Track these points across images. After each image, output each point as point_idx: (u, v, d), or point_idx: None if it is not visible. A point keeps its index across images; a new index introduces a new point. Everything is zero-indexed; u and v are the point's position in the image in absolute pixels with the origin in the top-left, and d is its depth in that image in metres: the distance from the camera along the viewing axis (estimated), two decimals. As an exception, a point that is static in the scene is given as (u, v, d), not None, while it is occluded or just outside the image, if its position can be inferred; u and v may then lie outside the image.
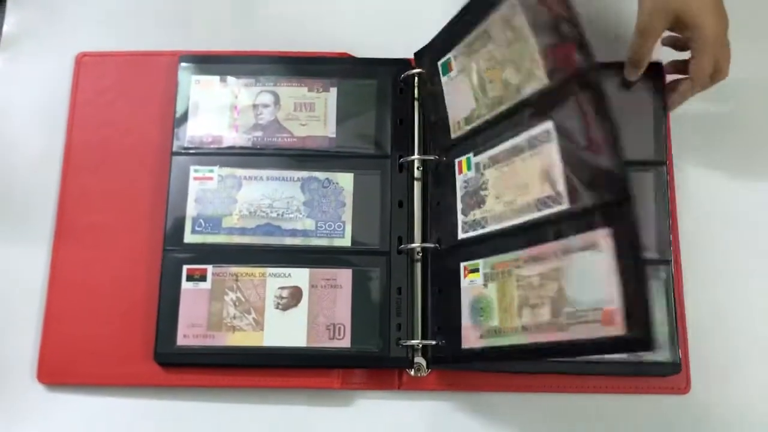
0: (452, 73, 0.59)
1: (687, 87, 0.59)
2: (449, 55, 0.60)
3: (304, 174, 0.61)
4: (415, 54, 0.63)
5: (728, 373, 0.59)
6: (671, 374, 0.57)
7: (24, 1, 0.69)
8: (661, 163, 0.61)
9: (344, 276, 0.59)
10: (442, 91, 0.60)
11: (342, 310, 0.58)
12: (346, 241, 0.60)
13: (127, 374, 0.59)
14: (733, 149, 0.64)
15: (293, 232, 0.60)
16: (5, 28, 0.68)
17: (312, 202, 0.61)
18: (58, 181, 0.63)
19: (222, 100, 0.63)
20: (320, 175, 0.61)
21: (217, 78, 0.63)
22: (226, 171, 0.61)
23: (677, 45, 0.61)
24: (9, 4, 0.69)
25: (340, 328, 0.58)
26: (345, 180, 0.61)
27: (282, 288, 0.59)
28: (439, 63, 0.61)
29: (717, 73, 0.58)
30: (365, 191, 0.61)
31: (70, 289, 0.61)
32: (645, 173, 0.61)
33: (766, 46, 0.66)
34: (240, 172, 0.61)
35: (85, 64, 0.66)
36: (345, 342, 0.58)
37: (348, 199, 0.61)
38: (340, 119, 0.62)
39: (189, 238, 0.60)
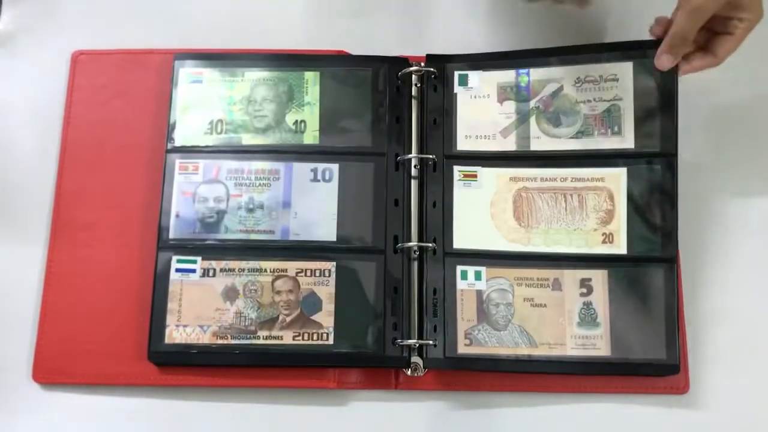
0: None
1: (706, 63, 0.56)
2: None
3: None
4: (429, 56, 0.63)
5: (727, 373, 0.59)
6: (668, 375, 0.57)
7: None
8: (670, 154, 0.58)
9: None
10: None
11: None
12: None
13: (122, 374, 0.59)
14: (738, 145, 0.64)
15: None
16: (0, 26, 0.68)
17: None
18: (53, 180, 0.63)
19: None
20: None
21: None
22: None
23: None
24: (4, 2, 0.69)
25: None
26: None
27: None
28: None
29: None
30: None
31: (66, 288, 0.60)
32: (653, 166, 0.58)
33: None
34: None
35: (80, 62, 0.66)
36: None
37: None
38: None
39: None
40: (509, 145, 0.61)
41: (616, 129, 0.59)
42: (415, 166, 0.61)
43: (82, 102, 0.65)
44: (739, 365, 0.59)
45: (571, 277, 0.58)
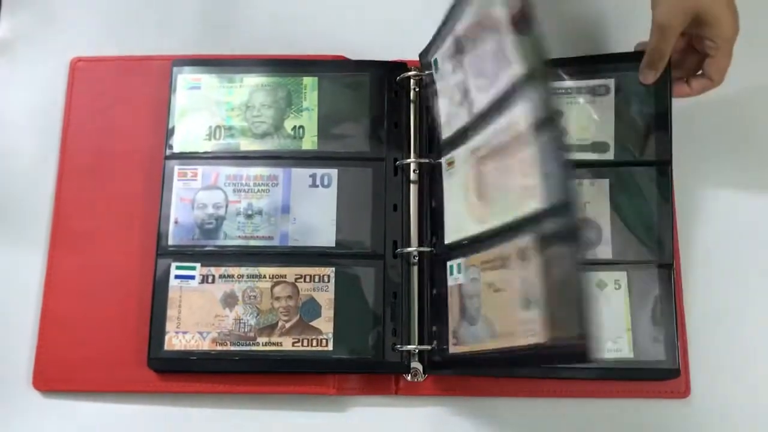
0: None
1: (703, 85, 0.58)
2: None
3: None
4: (420, 53, 0.62)
5: (728, 376, 0.59)
6: (669, 379, 0.57)
7: (19, 7, 0.69)
8: (665, 162, 0.59)
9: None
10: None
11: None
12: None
13: (122, 380, 0.59)
14: (734, 151, 0.64)
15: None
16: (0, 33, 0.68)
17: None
18: (53, 187, 0.63)
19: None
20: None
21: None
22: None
23: (687, 46, 0.59)
24: (3, 10, 0.69)
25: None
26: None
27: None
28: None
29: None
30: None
31: (66, 295, 0.60)
32: (647, 172, 0.58)
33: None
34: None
35: (79, 69, 0.66)
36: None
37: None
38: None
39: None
40: (467, 115, 0.55)
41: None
42: (414, 171, 0.61)
43: (81, 109, 0.65)
44: (741, 369, 0.59)
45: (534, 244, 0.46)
